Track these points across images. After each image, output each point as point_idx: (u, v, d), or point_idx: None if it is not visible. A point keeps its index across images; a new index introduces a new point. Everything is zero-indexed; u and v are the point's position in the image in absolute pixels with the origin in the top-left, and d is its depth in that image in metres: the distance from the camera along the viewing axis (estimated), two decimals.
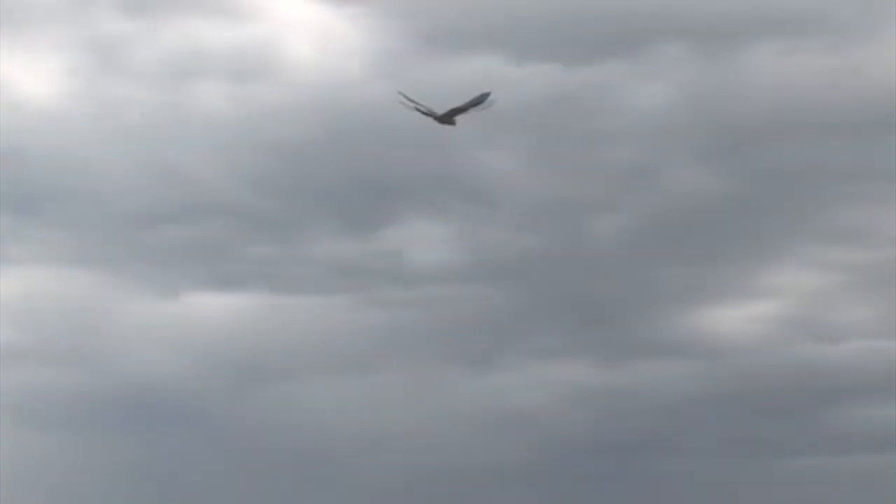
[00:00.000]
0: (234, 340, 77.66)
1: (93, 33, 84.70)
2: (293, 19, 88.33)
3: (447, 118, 24.26)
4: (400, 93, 25.29)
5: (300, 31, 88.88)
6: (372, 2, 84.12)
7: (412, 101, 24.37)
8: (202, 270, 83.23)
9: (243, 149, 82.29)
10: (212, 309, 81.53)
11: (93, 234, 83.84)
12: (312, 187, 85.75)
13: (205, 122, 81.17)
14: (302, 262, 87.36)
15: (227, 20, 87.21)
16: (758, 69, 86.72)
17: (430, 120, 23.64)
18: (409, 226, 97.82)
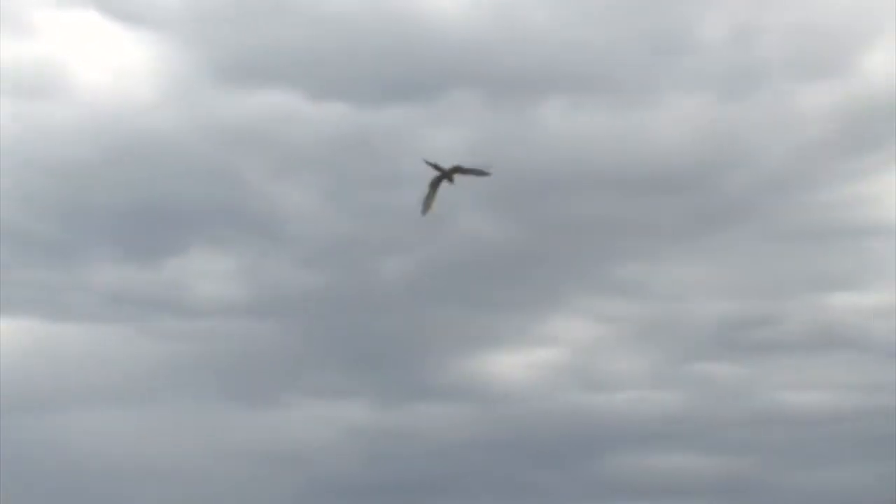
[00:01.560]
0: (1, 368, 74.31)
1: None
2: (85, 37, 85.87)
3: (450, 174, 25.01)
4: (426, 161, 25.86)
5: (91, 51, 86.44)
6: (169, 26, 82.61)
7: (429, 197, 25.22)
8: None
9: (23, 168, 79.30)
10: None
11: None
12: (94, 211, 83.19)
13: None
14: (79, 288, 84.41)
15: (14, 35, 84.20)
16: (547, 122, 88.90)
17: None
18: (192, 256, 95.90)
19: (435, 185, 26.48)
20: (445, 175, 26.14)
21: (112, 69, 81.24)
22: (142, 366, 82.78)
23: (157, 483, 79.81)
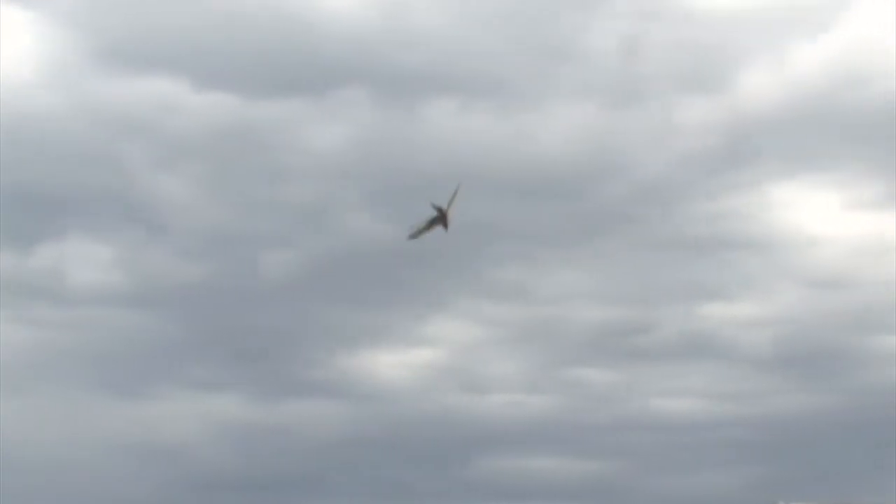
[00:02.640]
0: None
1: None
2: None
3: (444, 220, 26.11)
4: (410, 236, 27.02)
5: None
6: (52, 7, 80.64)
7: (421, 229, 26.14)
8: None
9: None
10: None
11: None
12: None
13: None
14: None
15: None
16: (434, 123, 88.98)
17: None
18: (70, 243, 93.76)
19: (431, 223, 27.42)
20: (442, 218, 27.18)
21: None
22: (13, 354, 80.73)
23: (26, 473, 77.87)
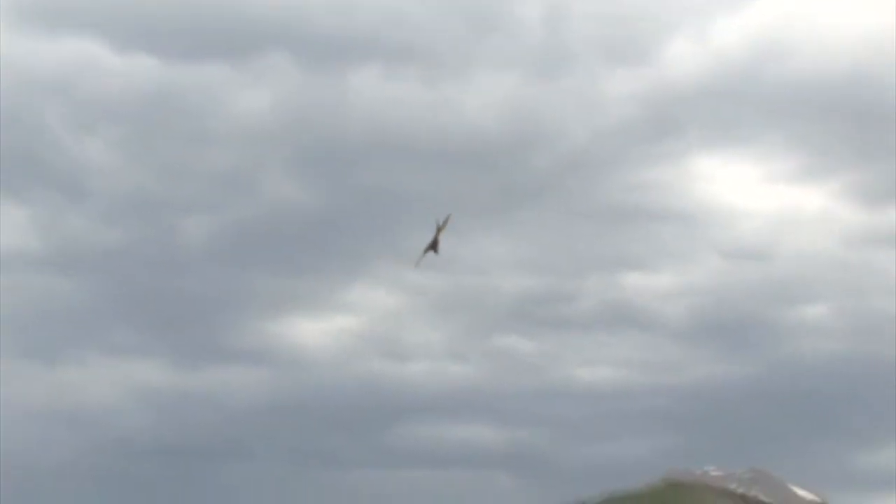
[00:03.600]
0: None
1: None
2: None
3: (435, 247, 29.05)
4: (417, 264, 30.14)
5: None
6: None
7: (420, 258, 29.09)
8: None
9: None
10: None
11: None
12: None
13: None
14: None
15: None
16: (359, 90, 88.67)
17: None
18: None
19: (427, 249, 30.79)
20: (434, 245, 30.32)
21: None
22: None
23: None
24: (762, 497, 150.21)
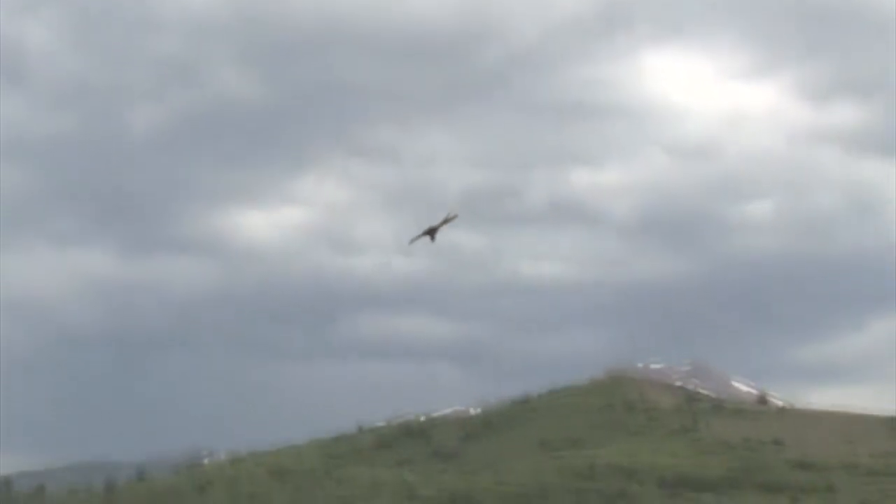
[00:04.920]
0: None
1: None
2: None
3: (432, 233, 29.56)
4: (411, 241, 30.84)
5: None
6: None
7: (416, 237, 30.30)
8: None
9: None
10: None
11: None
12: None
13: None
14: None
15: None
16: None
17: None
18: None
19: (424, 233, 31.52)
20: (432, 232, 31.31)
21: None
22: None
23: None
24: (702, 390, 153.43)
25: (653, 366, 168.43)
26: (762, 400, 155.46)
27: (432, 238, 31.83)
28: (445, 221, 31.90)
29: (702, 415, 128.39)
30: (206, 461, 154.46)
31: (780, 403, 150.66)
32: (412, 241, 32.46)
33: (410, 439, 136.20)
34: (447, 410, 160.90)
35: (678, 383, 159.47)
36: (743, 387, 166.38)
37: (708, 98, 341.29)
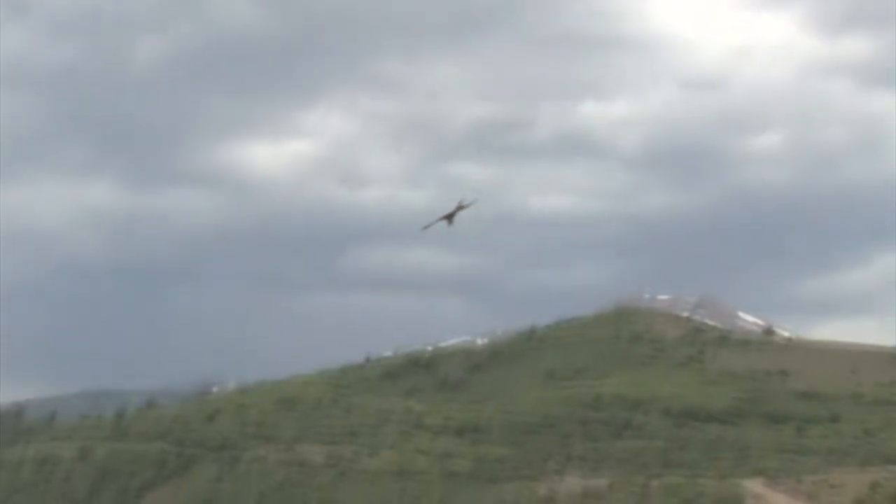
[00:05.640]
0: None
1: None
2: None
3: (450, 218, 29.26)
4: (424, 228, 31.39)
5: None
6: None
7: (432, 223, 30.86)
8: None
9: None
10: None
11: None
12: None
13: None
14: None
15: None
16: None
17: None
18: None
19: (442, 218, 31.80)
20: (450, 216, 31.71)
21: None
22: None
23: None
24: (709, 322, 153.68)
25: (659, 298, 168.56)
26: (768, 332, 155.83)
27: (450, 222, 32.28)
28: (461, 208, 32.24)
29: (708, 346, 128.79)
30: (214, 390, 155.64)
31: (786, 335, 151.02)
32: (426, 227, 32.90)
33: (417, 370, 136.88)
34: (454, 342, 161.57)
35: (685, 315, 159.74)
36: (749, 319, 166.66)
37: (718, 30, 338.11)
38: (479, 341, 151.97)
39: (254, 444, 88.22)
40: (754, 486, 53.40)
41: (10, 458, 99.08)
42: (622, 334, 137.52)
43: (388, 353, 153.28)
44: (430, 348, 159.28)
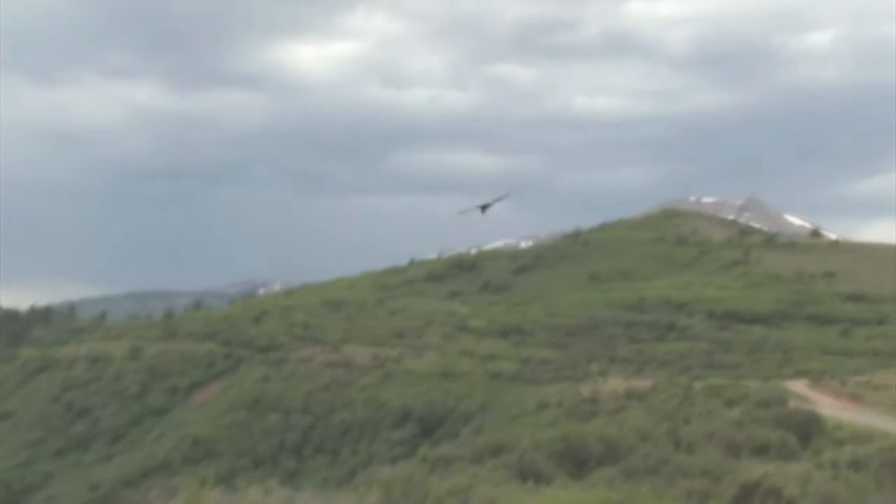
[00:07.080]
0: None
1: None
2: None
3: (485, 208, 30.91)
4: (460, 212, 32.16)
5: None
6: None
7: (467, 209, 31.52)
8: None
9: None
10: None
11: None
12: None
13: None
14: None
15: None
16: None
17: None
18: None
19: (477, 207, 32.40)
20: (485, 207, 32.30)
21: None
22: None
23: None
24: (755, 224, 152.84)
25: (705, 200, 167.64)
26: (815, 234, 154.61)
27: (483, 211, 32.75)
28: (497, 199, 32.60)
29: (754, 248, 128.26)
30: (260, 292, 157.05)
31: (832, 237, 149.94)
32: (462, 212, 33.45)
33: (461, 272, 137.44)
34: (498, 244, 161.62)
35: (731, 217, 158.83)
36: (796, 221, 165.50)
37: None
38: (524, 244, 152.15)
39: (300, 346, 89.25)
40: (798, 387, 53.37)
41: (63, 356, 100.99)
42: (667, 236, 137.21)
43: (431, 255, 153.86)
44: (474, 251, 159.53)
